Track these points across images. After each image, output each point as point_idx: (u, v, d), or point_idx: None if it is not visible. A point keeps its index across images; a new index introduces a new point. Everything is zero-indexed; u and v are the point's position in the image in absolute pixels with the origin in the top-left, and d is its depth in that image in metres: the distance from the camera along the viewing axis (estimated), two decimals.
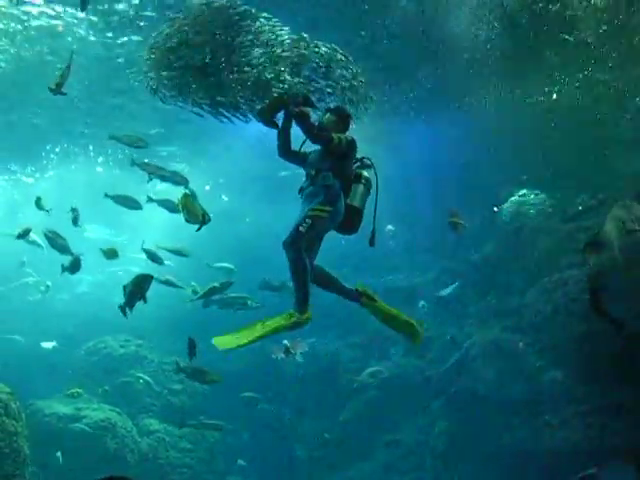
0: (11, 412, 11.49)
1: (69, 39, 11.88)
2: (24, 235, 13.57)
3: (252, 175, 19.58)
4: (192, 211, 8.89)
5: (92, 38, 12.01)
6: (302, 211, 6.18)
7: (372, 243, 6.42)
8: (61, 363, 17.76)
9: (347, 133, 6.43)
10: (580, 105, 13.41)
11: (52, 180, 21.43)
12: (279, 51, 7.38)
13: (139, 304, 8.79)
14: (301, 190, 6.40)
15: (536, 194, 16.78)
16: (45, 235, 12.82)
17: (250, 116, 7.73)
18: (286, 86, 7.20)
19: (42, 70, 12.29)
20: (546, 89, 13.44)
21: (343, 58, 7.78)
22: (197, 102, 7.70)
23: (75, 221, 12.89)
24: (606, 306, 4.65)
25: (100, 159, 19.96)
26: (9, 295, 20.60)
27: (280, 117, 6.55)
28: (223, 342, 6.28)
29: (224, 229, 17.09)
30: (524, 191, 16.95)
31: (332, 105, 7.26)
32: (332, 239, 6.49)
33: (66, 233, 12.89)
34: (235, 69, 7.27)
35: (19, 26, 11.73)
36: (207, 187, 20.99)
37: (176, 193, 10.31)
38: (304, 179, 6.45)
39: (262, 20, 7.45)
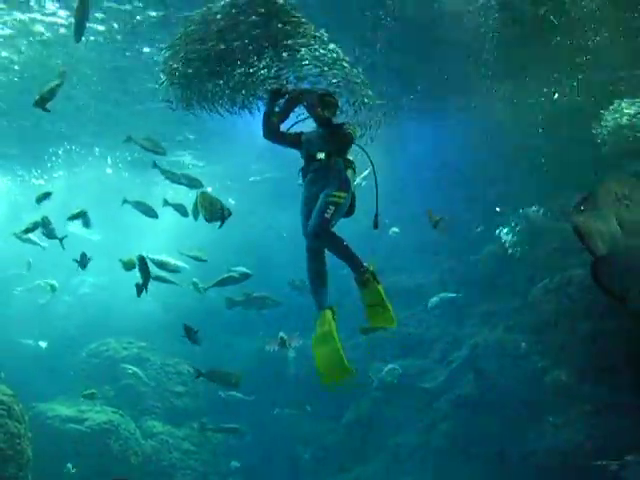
0: (14, 414, 11.51)
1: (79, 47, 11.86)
2: (33, 229, 13.20)
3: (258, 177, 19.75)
4: (211, 208, 8.84)
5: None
6: (311, 193, 6.27)
7: (376, 226, 6.46)
8: (63, 365, 17.74)
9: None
10: (580, 106, 13.52)
11: (62, 180, 21.55)
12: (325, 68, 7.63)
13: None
14: (305, 172, 6.44)
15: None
16: (42, 222, 12.55)
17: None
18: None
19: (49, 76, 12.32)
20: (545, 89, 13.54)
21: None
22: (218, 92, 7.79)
23: (87, 224, 12.86)
24: (608, 279, 4.58)
25: (109, 160, 20.08)
26: (20, 297, 20.53)
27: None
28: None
29: (231, 231, 17.17)
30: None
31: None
32: None
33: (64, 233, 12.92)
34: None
35: (26, 37, 11.80)
36: (209, 189, 21.05)
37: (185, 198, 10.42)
38: (305, 161, 6.48)
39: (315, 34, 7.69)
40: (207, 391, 16.80)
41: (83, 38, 9.18)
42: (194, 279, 14.68)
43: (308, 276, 6.32)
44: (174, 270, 13.61)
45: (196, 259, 13.39)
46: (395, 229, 17.04)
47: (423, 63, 12.66)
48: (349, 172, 6.39)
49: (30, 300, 20.05)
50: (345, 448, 16.09)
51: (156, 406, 16.99)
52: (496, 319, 15.93)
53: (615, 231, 4.47)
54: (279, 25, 7.41)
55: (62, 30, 11.38)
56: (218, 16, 7.47)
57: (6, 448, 11.11)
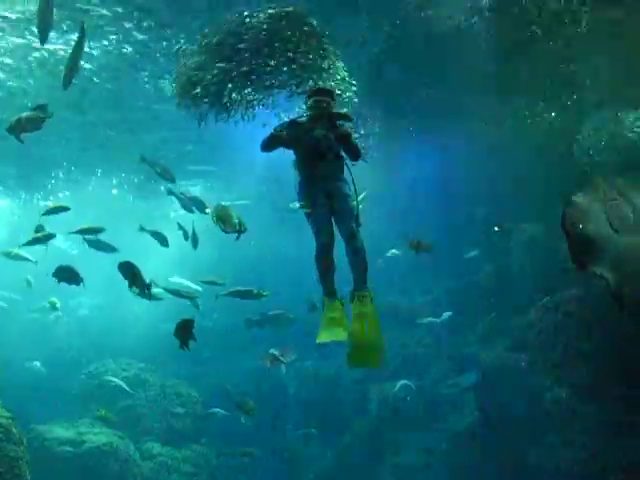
0: (12, 437, 11.40)
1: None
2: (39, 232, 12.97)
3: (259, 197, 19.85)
4: (228, 220, 8.65)
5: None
6: (327, 190, 6.50)
7: (358, 224, 6.62)
8: (63, 387, 17.66)
9: None
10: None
11: (67, 201, 21.64)
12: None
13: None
14: (310, 168, 6.55)
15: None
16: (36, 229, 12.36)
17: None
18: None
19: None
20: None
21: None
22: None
23: (100, 246, 12.86)
24: (607, 276, 4.57)
25: (114, 181, 20.21)
26: (20, 319, 20.47)
27: None
28: None
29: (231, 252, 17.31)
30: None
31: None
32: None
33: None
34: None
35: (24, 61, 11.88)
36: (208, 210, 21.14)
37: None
38: (308, 158, 6.55)
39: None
40: (207, 413, 16.73)
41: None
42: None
43: (320, 270, 6.50)
44: (191, 295, 13.88)
45: (213, 284, 13.58)
46: (394, 250, 17.02)
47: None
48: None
49: (30, 321, 20.03)
50: (346, 470, 16.01)
51: (155, 427, 16.89)
52: (496, 337, 15.90)
53: (605, 229, 4.51)
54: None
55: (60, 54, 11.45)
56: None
57: (4, 472, 11.00)
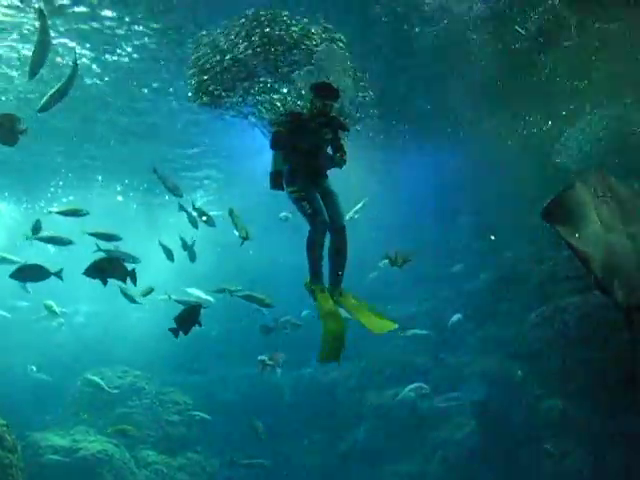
0: (6, 445, 11.36)
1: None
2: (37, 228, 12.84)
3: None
4: (240, 225, 9.93)
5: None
6: (318, 184, 6.69)
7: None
8: (58, 394, 17.59)
9: None
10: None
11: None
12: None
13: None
14: (315, 162, 6.70)
15: None
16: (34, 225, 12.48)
17: None
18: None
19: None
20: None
21: None
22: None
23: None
24: (605, 282, 4.56)
25: (118, 188, 20.31)
26: (17, 326, 20.40)
27: None
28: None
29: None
30: None
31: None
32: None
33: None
34: None
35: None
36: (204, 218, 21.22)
37: None
38: (303, 152, 6.65)
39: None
40: (202, 420, 16.70)
41: None
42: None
43: (311, 259, 6.57)
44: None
45: (223, 292, 13.78)
46: (386, 261, 16.97)
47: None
48: None
49: (32, 328, 19.96)
50: (341, 477, 15.97)
51: (150, 435, 16.83)
52: (492, 347, 15.88)
53: (595, 227, 4.52)
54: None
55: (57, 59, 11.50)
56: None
57: None
